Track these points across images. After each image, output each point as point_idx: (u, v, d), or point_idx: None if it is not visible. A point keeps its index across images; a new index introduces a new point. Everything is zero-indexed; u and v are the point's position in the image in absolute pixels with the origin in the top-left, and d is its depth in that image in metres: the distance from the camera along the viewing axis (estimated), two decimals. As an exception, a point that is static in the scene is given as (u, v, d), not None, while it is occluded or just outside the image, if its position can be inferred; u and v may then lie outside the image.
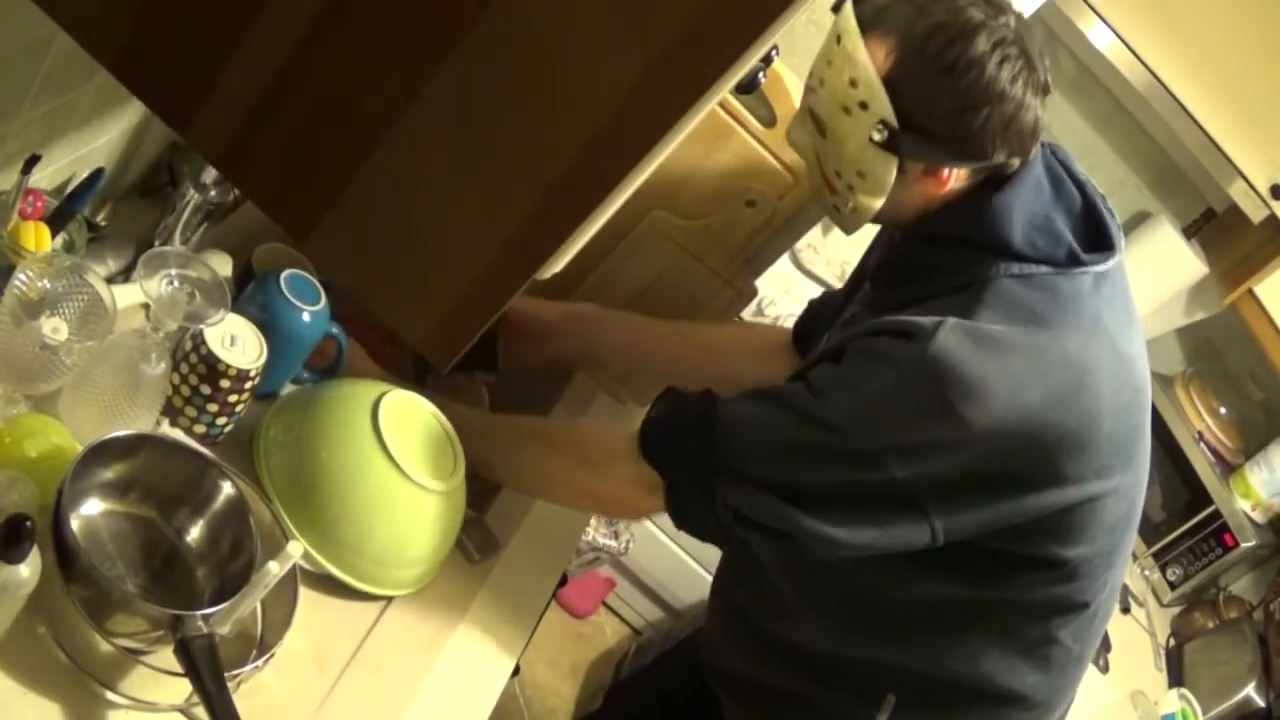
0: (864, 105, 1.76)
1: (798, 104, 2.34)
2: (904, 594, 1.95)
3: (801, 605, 2.08)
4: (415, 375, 2.28)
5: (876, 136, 1.77)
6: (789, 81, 2.37)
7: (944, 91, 1.74)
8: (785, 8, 1.05)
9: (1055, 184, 1.89)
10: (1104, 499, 1.87)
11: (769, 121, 2.39)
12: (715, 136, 2.36)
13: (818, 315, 2.35)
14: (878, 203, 1.85)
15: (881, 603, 1.98)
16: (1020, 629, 1.98)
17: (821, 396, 1.79)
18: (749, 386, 2.10)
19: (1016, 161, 1.82)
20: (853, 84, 1.76)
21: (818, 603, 2.06)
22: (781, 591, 2.08)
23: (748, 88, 2.27)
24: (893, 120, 1.76)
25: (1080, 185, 1.93)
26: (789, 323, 2.49)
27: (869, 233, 2.37)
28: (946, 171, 1.81)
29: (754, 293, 2.56)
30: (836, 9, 1.80)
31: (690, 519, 1.90)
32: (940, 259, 1.86)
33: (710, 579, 2.47)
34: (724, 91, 1.19)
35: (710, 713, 2.34)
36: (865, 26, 1.75)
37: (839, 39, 1.77)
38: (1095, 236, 1.90)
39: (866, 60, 1.74)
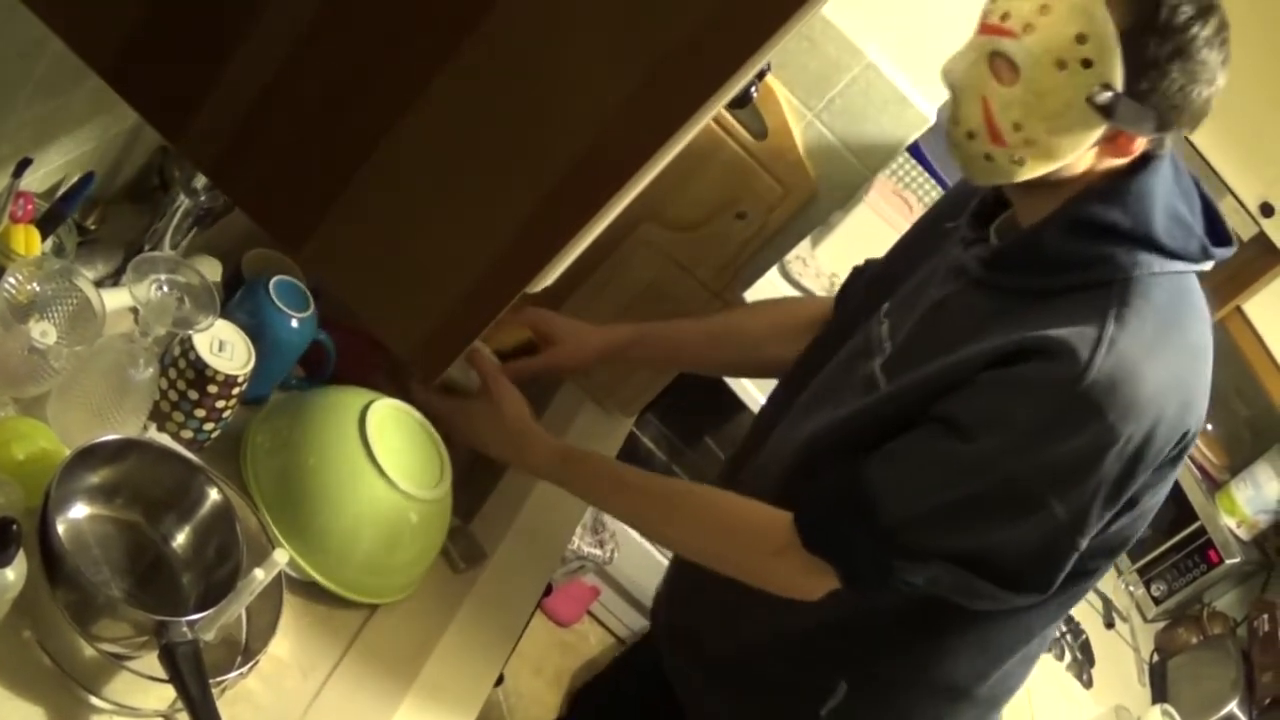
0: (1087, 63, 1.65)
1: (789, 116, 2.35)
2: (901, 599, 1.91)
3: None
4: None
5: (1099, 99, 1.66)
6: (780, 94, 2.37)
7: (1178, 65, 1.66)
8: (781, 26, 1.06)
9: (1176, 172, 1.82)
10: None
11: (760, 134, 2.39)
12: (706, 149, 2.36)
13: (861, 287, 2.27)
14: (1055, 165, 1.74)
15: (879, 601, 1.95)
16: (1004, 633, 1.98)
17: (972, 440, 1.72)
18: (790, 367, 2.09)
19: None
20: (1080, 39, 1.65)
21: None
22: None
23: (740, 101, 2.27)
24: (1117, 84, 1.66)
25: (1191, 176, 1.88)
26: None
27: (858, 246, 2.38)
28: (1134, 141, 1.73)
29: (743, 305, 2.56)
30: None
31: (872, 595, 1.88)
32: (1082, 249, 1.76)
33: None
34: (718, 108, 1.20)
35: (667, 708, 2.32)
36: None
37: None
38: (1212, 228, 1.85)
39: (1106, 16, 1.63)
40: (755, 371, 2.36)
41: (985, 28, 1.73)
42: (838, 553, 1.82)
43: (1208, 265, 1.82)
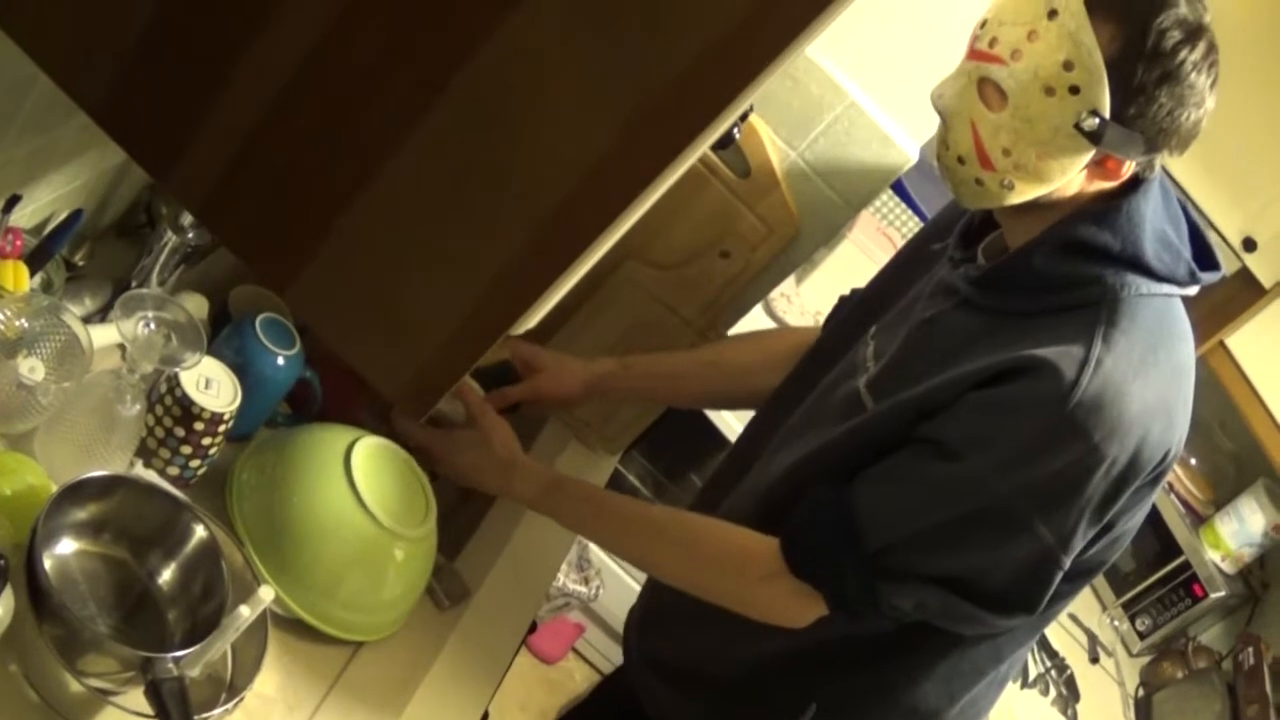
0: (1074, 90, 1.66)
1: (772, 155, 2.36)
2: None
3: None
4: None
5: (1086, 125, 1.67)
6: (764, 133, 2.39)
7: (1166, 90, 1.66)
8: (763, 70, 1.07)
9: (1165, 196, 1.83)
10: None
11: (743, 173, 2.40)
12: (690, 188, 2.37)
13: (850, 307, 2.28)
14: (1045, 189, 1.75)
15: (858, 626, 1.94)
16: (976, 655, 1.97)
17: (957, 460, 1.72)
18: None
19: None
20: (1068, 66, 1.65)
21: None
22: None
23: (724, 143, 2.29)
24: (1104, 110, 1.67)
25: (1179, 202, 1.89)
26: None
27: (842, 282, 2.39)
28: (1125, 166, 1.74)
29: (728, 337, 2.57)
30: None
31: (860, 619, 1.86)
32: (1070, 270, 1.77)
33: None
34: (702, 150, 1.21)
35: None
36: (1091, 3, 1.64)
37: (1053, 13, 1.65)
38: (1200, 253, 1.86)
39: (1094, 44, 1.64)
40: (744, 402, 2.36)
41: (974, 53, 1.74)
42: (825, 579, 1.83)
43: (1194, 289, 1.84)
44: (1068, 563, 1.76)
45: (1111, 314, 1.74)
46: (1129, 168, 1.74)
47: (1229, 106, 3.10)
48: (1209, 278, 1.84)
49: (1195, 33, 1.66)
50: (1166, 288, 1.80)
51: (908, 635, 1.92)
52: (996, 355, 1.73)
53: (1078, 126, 1.68)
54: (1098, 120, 1.67)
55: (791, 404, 2.12)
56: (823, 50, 2.33)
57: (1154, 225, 1.78)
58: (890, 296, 2.09)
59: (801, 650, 1.99)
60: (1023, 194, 1.75)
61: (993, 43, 1.71)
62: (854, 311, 2.20)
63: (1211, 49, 1.69)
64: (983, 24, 1.74)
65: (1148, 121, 1.69)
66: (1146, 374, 1.72)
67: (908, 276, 2.09)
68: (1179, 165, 3.19)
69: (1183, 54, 1.65)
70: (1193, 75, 1.67)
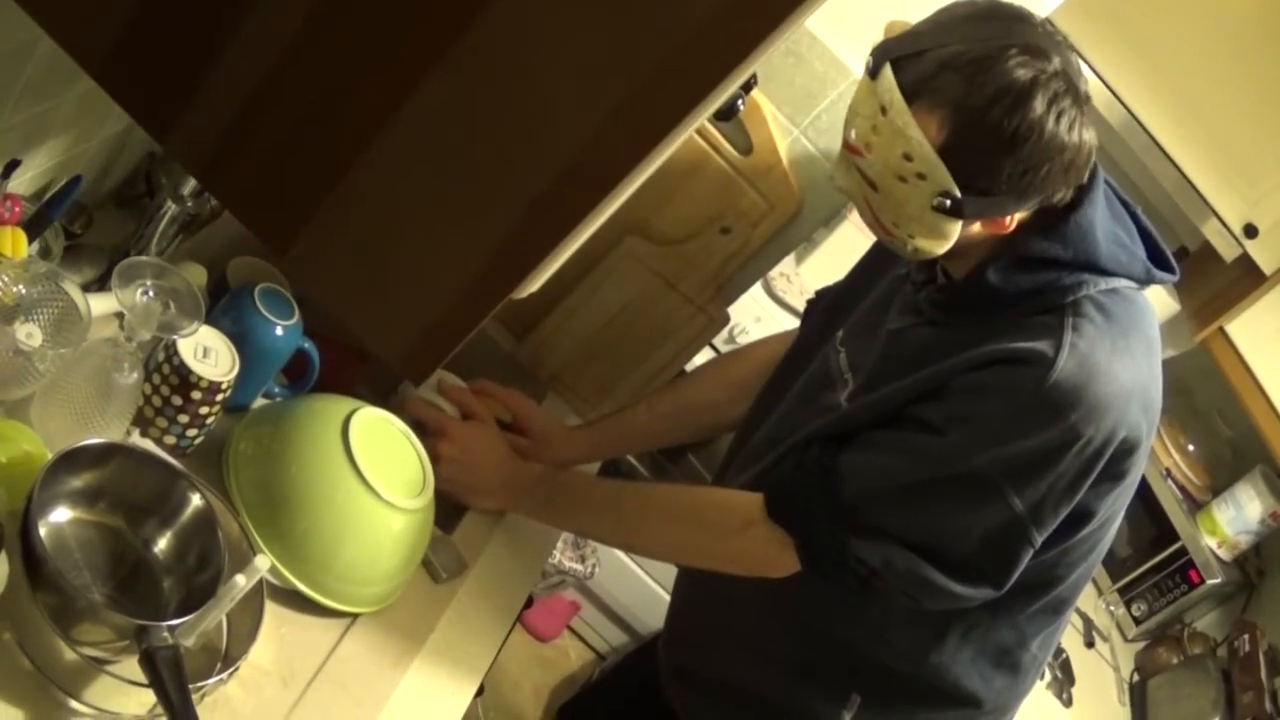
0: (921, 176, 1.71)
1: (775, 132, 2.36)
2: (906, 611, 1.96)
3: (800, 607, 2.08)
4: None
5: (938, 204, 1.72)
6: (767, 110, 2.38)
7: (1006, 159, 1.69)
8: (762, 42, 1.06)
9: (1109, 203, 1.88)
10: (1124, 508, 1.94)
11: (745, 149, 2.39)
12: (692, 163, 2.37)
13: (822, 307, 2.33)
14: (941, 249, 1.79)
15: (878, 603, 1.98)
16: (1000, 636, 2.01)
17: (940, 434, 1.79)
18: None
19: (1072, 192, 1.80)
20: (907, 158, 1.70)
21: (823, 605, 2.06)
22: (789, 597, 2.06)
23: (726, 115, 2.28)
24: (954, 191, 1.71)
25: (1127, 206, 1.93)
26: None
27: (841, 263, 2.39)
28: (1009, 218, 1.78)
29: (726, 320, 2.56)
30: (874, 75, 1.71)
31: (826, 573, 1.90)
32: (1026, 281, 1.82)
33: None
34: (702, 119, 1.20)
35: None
36: (910, 96, 1.68)
37: (883, 110, 1.70)
38: (1154, 255, 1.91)
39: (921, 138, 1.68)
40: (721, 430, 2.43)
41: (845, 143, 1.80)
42: (797, 525, 1.90)
43: (1149, 285, 1.90)
44: (1038, 538, 1.81)
45: (1078, 308, 1.80)
46: (1014, 218, 1.79)
47: (1230, 94, 3.10)
48: (1165, 277, 1.90)
49: (1025, 94, 1.66)
50: (1125, 282, 1.85)
51: (932, 621, 1.98)
52: (975, 348, 1.80)
53: (936, 208, 1.73)
54: (949, 201, 1.71)
55: (770, 407, 2.20)
56: (826, 27, 2.32)
57: (1105, 229, 1.83)
58: (860, 293, 2.17)
59: (835, 648, 2.06)
60: (931, 252, 1.81)
61: (853, 134, 1.77)
62: (825, 312, 2.27)
63: (1056, 96, 1.68)
64: (850, 107, 1.79)
65: (1004, 187, 1.72)
66: (1120, 357, 1.79)
67: (875, 274, 2.17)
68: (1180, 149, 3.19)
69: (1014, 122, 1.66)
70: (1034, 135, 1.68)
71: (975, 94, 1.66)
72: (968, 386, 1.79)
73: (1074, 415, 1.73)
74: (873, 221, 1.84)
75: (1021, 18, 1.71)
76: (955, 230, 1.76)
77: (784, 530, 1.91)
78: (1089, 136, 1.73)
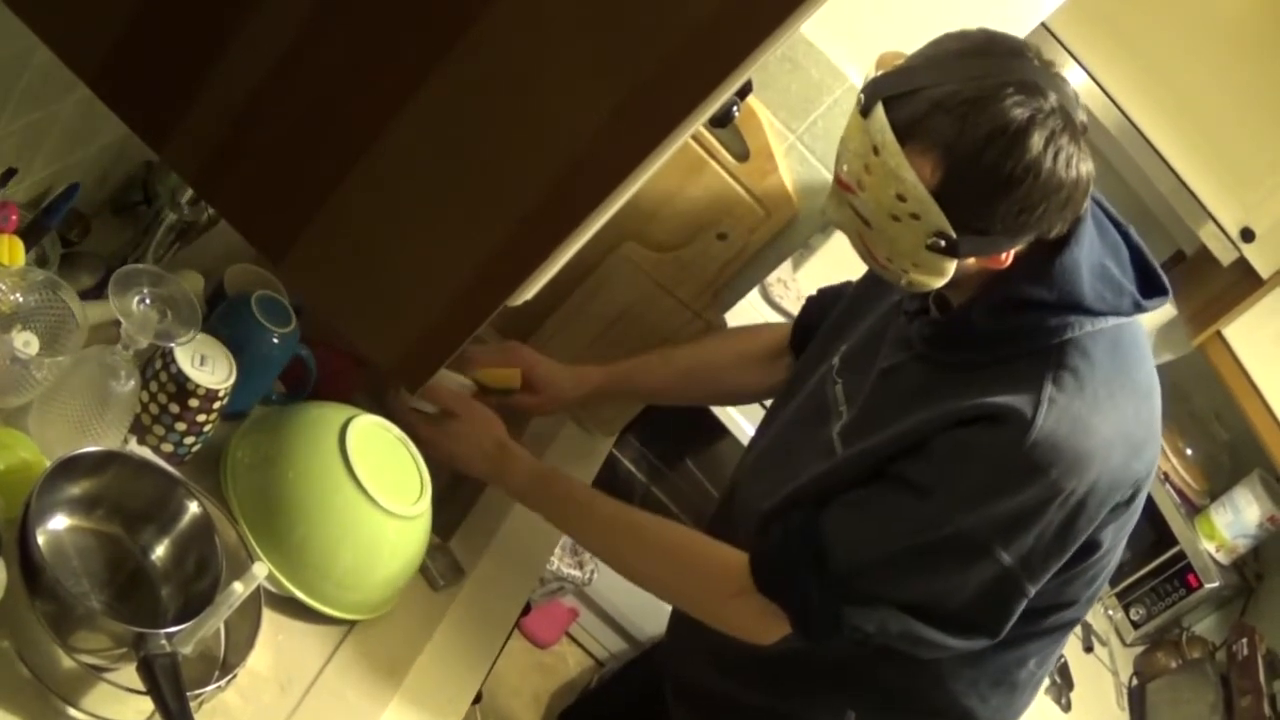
0: (915, 216, 1.69)
1: (771, 138, 2.36)
2: None
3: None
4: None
5: (933, 244, 1.71)
6: (763, 116, 2.38)
7: (1001, 199, 1.67)
8: (757, 47, 1.07)
9: (1100, 229, 1.85)
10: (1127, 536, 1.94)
11: (742, 155, 2.40)
12: (688, 169, 2.38)
13: (816, 316, 2.34)
14: (937, 283, 1.78)
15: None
16: (999, 655, 2.00)
17: (924, 496, 1.78)
18: (754, 395, 2.18)
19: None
20: (900, 198, 1.68)
21: None
22: None
23: (722, 121, 2.28)
24: (949, 231, 1.69)
25: (1119, 226, 1.91)
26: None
27: (838, 269, 2.39)
28: (1006, 254, 1.77)
29: (723, 325, 2.57)
30: (866, 113, 1.69)
31: (821, 640, 1.90)
32: (1011, 324, 1.81)
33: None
34: (697, 125, 1.21)
35: None
36: (903, 138, 1.66)
37: (876, 150, 1.67)
38: (1145, 280, 1.89)
39: (914, 180, 1.66)
40: (719, 401, 2.43)
41: (837, 179, 1.78)
42: (790, 599, 1.88)
43: (1139, 316, 1.88)
44: (1031, 588, 1.81)
45: (1060, 356, 1.79)
46: (1009, 255, 1.77)
47: (1227, 97, 3.10)
48: (1155, 304, 1.88)
49: (1021, 133, 1.64)
50: (1111, 320, 1.83)
51: None
52: (957, 402, 1.79)
53: (930, 248, 1.72)
54: (944, 241, 1.70)
55: (765, 428, 2.22)
56: (822, 33, 2.32)
57: (1091, 266, 1.81)
58: (856, 318, 2.16)
59: (832, 664, 2.04)
60: (928, 286, 1.80)
61: (845, 169, 1.75)
62: (821, 335, 2.26)
63: (1054, 134, 1.66)
64: (841, 141, 1.77)
65: (999, 225, 1.71)
66: (1101, 408, 1.77)
67: (870, 301, 2.16)
68: (1176, 154, 3.19)
69: (1010, 163, 1.65)
70: (1031, 176, 1.66)
71: (970, 135, 1.64)
72: (950, 445, 1.78)
73: (1055, 472, 1.72)
74: (866, 255, 1.83)
75: (1016, 52, 1.69)
76: (951, 268, 1.75)
77: (777, 605, 1.89)
78: (1086, 170, 1.71)
